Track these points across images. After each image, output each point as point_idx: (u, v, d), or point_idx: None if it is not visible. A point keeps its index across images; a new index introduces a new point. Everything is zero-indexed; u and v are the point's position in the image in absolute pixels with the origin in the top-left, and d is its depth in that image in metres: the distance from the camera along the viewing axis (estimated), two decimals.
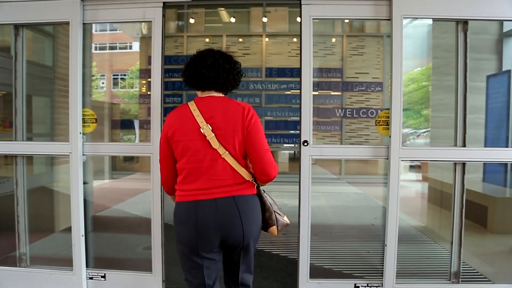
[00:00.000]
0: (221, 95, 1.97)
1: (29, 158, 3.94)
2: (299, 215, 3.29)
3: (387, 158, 3.17)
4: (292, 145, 8.03)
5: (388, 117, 3.25)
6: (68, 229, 3.43)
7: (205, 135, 1.80)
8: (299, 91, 8.07)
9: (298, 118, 8.35)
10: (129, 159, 9.29)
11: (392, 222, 3.08)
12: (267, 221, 1.99)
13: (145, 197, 5.33)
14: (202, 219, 1.78)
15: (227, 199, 1.81)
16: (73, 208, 3.36)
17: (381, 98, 7.77)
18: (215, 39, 8.34)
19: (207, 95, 1.95)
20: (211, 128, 1.80)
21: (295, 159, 12.15)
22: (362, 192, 7.25)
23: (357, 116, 7.97)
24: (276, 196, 6.65)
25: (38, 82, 5.75)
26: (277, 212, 2.04)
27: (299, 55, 3.29)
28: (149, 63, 4.04)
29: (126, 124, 7.36)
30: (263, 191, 2.01)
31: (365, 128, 7.93)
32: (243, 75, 2.06)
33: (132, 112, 7.35)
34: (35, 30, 5.56)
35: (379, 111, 8.17)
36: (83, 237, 3.44)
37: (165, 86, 8.69)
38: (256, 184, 1.94)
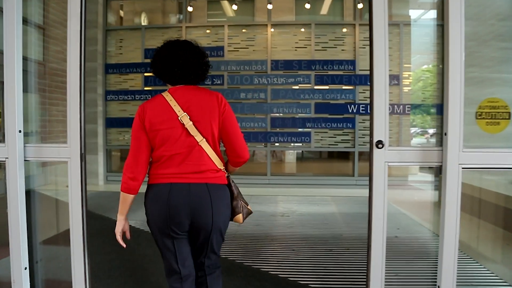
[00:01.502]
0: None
1: None
2: (369, 245, 2.50)
3: (441, 165, 2.34)
4: (300, 144, 7.48)
5: (495, 107, 2.40)
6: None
7: (183, 123, 1.88)
8: (309, 85, 7.67)
9: (308, 115, 7.97)
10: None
11: (450, 259, 2.32)
12: (233, 209, 2.07)
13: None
14: (175, 201, 1.87)
15: (201, 185, 1.89)
16: (12, 232, 2.54)
17: (396, 93, 7.21)
18: (216, 30, 7.80)
19: (178, 86, 2.01)
20: (188, 116, 1.89)
21: (303, 159, 11.61)
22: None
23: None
24: (283, 201, 6.15)
25: None
26: (243, 201, 2.12)
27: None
28: None
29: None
30: (232, 181, 2.09)
31: None
32: (212, 66, 2.13)
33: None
34: None
35: (402, 106, 7.72)
36: (27, 270, 2.60)
37: (161, 81, 8.17)
38: (226, 174, 2.04)
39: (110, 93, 8.00)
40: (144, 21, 9.06)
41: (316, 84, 7.38)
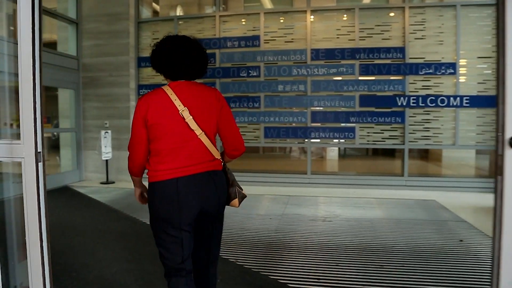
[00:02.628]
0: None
1: None
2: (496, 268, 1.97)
3: None
4: (343, 140, 6.94)
5: None
6: None
7: (183, 117, 1.97)
8: (352, 76, 7.09)
9: (352, 108, 7.40)
10: None
11: None
12: (229, 195, 2.20)
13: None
14: (184, 194, 1.96)
15: (204, 173, 2.01)
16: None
17: (453, 82, 6.49)
18: (252, 18, 7.37)
19: (179, 81, 2.07)
20: (188, 111, 1.97)
21: (346, 156, 11.00)
22: (430, 197, 6.06)
23: (423, 105, 6.74)
24: (324, 203, 5.67)
25: None
26: (238, 186, 2.25)
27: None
28: None
29: None
30: (227, 168, 2.24)
31: (434, 119, 6.67)
32: (211, 61, 2.28)
33: None
34: None
35: (459, 98, 6.96)
36: None
37: None
38: (222, 162, 2.17)
39: (142, 87, 7.82)
40: (177, 11, 8.80)
41: (360, 75, 6.81)
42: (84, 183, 7.58)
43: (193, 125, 1.97)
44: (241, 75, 7.27)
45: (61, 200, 5.96)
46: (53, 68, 7.10)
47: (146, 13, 8.17)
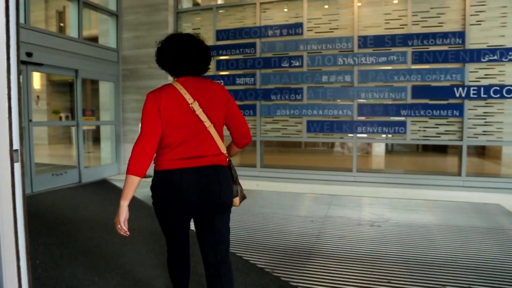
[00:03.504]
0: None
1: None
2: None
3: None
4: (393, 135, 6.44)
5: None
6: None
7: (194, 110, 2.02)
8: (404, 64, 6.53)
9: (403, 100, 6.83)
10: None
11: None
12: (232, 193, 2.18)
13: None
14: (187, 185, 2.00)
15: (210, 167, 2.06)
16: None
17: None
18: (294, 5, 6.97)
19: (186, 77, 2.13)
20: (198, 103, 2.04)
21: (392, 152, 10.34)
22: (491, 200, 5.44)
23: (485, 96, 6.06)
24: (372, 204, 5.24)
25: None
26: (240, 185, 2.28)
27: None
28: None
29: None
30: (232, 165, 2.26)
31: (497, 113, 5.99)
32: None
33: None
34: None
35: None
36: None
37: (235, 64, 7.67)
38: (227, 157, 2.22)
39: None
40: (217, 0, 8.56)
41: (413, 63, 6.25)
42: (122, 176, 7.58)
43: (203, 117, 2.04)
44: (282, 65, 6.92)
45: (98, 194, 5.96)
46: (94, 60, 7.12)
47: (185, 3, 7.99)
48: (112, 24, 7.90)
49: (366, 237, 3.85)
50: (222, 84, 2.31)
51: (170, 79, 7.57)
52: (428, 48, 6.20)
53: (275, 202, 5.37)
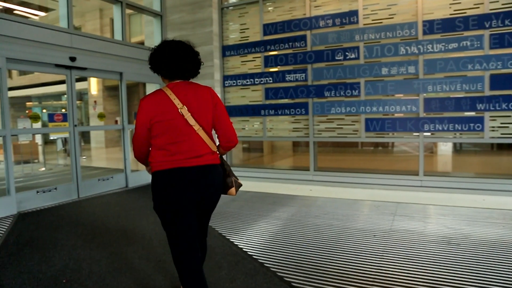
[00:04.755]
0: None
1: None
2: None
3: None
4: (468, 133, 5.61)
5: None
6: None
7: (183, 114, 2.19)
8: (480, 51, 5.67)
9: (479, 93, 5.93)
10: None
11: None
12: (227, 184, 2.45)
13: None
14: (185, 181, 2.18)
15: (204, 166, 2.24)
16: None
17: None
18: None
19: (176, 81, 2.33)
20: (186, 108, 2.20)
21: (461, 151, 9.18)
22: None
23: None
24: (443, 214, 4.51)
25: None
26: (234, 176, 2.52)
27: None
28: None
29: None
30: (224, 160, 2.49)
31: None
32: (203, 63, 2.47)
33: None
34: None
35: None
36: None
37: (284, 59, 7.17)
38: (219, 155, 2.43)
39: (228, 78, 7.35)
40: None
41: (492, 48, 5.41)
42: None
43: (191, 121, 2.22)
44: (336, 58, 6.32)
45: (142, 199, 5.79)
46: (139, 63, 7.00)
47: None
48: (157, 25, 7.74)
49: (444, 259, 3.20)
50: (211, 89, 2.42)
51: (216, 78, 7.26)
52: (510, 29, 5.30)
53: (330, 211, 4.84)
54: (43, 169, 9.91)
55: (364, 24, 6.17)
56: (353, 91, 6.24)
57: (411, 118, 5.88)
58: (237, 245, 3.69)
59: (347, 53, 6.27)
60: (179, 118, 2.19)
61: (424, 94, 5.77)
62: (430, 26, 5.72)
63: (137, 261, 3.36)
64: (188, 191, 2.19)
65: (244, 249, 3.57)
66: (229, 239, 3.88)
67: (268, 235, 3.96)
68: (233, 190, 2.47)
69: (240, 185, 2.55)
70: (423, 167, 5.90)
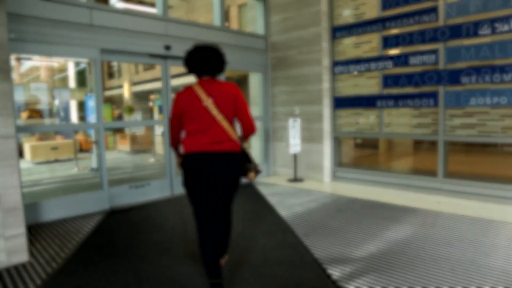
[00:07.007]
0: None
1: None
2: None
3: None
4: None
5: None
6: None
7: (207, 107, 2.61)
8: None
9: None
10: None
11: None
12: (246, 169, 2.81)
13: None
14: (206, 163, 2.61)
15: (223, 152, 2.63)
16: None
17: None
18: None
19: (204, 78, 2.74)
20: (211, 101, 2.62)
21: None
22: None
23: None
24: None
25: None
26: (254, 163, 2.87)
27: None
28: None
29: None
30: (245, 148, 2.87)
31: None
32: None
33: None
34: None
35: None
36: None
37: (408, 39, 5.86)
38: (240, 143, 2.81)
39: (338, 64, 6.36)
40: None
41: None
42: (271, 179, 6.79)
43: (214, 112, 2.64)
44: (480, 33, 4.88)
45: (251, 203, 5.12)
46: (239, 50, 6.49)
47: None
48: (260, 9, 7.12)
49: None
50: (234, 85, 2.75)
51: (325, 64, 6.32)
52: None
53: (464, 235, 3.64)
54: (152, 160, 10.21)
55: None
56: (504, 75, 4.74)
57: None
58: (335, 282, 2.80)
59: (496, 25, 4.76)
60: (204, 110, 2.63)
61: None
62: None
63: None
64: (207, 173, 2.61)
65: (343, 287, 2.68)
66: (325, 269, 3.01)
67: (375, 266, 2.98)
68: (252, 174, 2.84)
69: (259, 171, 2.90)
70: None
